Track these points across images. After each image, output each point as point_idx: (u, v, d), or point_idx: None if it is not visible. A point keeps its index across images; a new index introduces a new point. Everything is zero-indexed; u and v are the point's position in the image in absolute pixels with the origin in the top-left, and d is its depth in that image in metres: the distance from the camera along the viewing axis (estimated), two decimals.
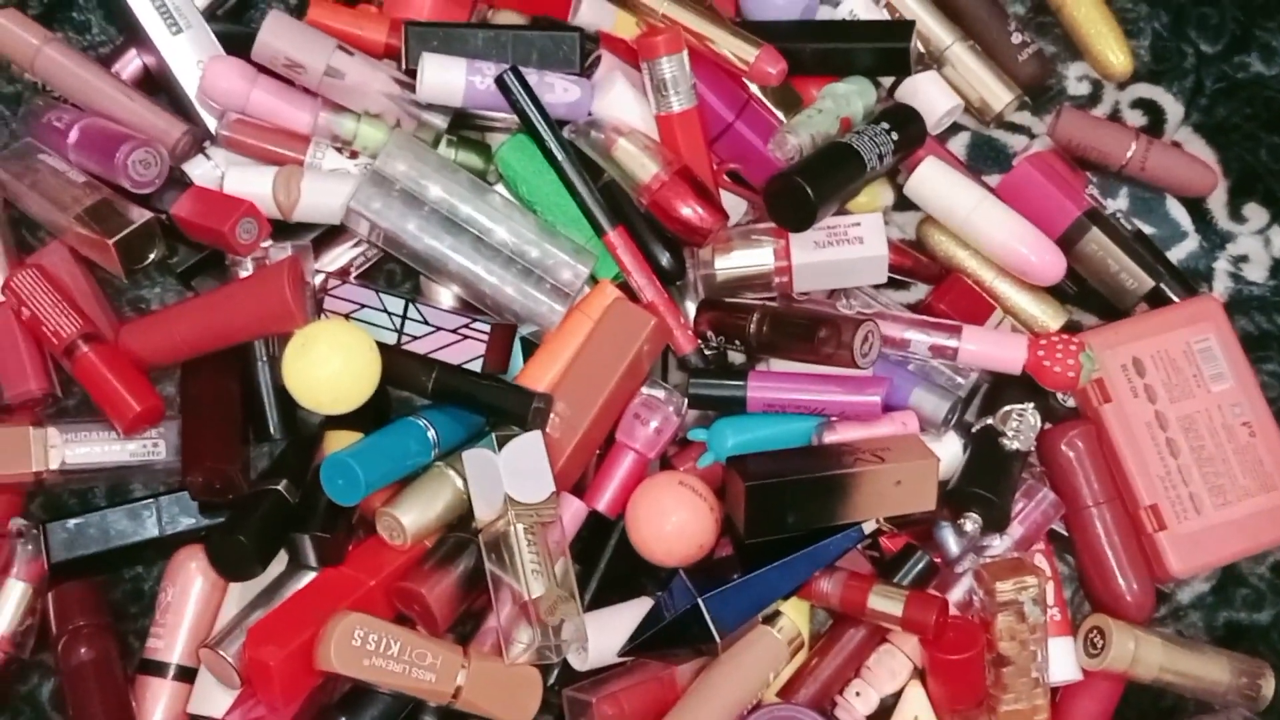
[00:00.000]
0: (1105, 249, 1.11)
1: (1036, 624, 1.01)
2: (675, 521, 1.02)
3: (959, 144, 1.19)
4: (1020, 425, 1.05)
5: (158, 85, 1.11)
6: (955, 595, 1.05)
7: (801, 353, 1.05)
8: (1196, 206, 1.19)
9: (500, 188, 1.10)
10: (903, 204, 1.15)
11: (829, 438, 1.05)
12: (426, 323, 1.06)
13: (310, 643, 0.96)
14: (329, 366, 1.00)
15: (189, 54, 1.09)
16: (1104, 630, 1.04)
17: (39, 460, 1.04)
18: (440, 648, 0.98)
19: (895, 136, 1.09)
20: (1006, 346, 1.06)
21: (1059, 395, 1.11)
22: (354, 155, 1.09)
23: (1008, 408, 1.06)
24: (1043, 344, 1.05)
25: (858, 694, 1.05)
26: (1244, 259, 1.19)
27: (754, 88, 1.13)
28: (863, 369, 1.03)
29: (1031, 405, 1.06)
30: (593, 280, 1.08)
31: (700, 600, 0.98)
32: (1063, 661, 1.05)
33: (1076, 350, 1.04)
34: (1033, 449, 1.07)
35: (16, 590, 1.03)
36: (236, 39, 1.09)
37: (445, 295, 1.09)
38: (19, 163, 1.09)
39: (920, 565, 1.06)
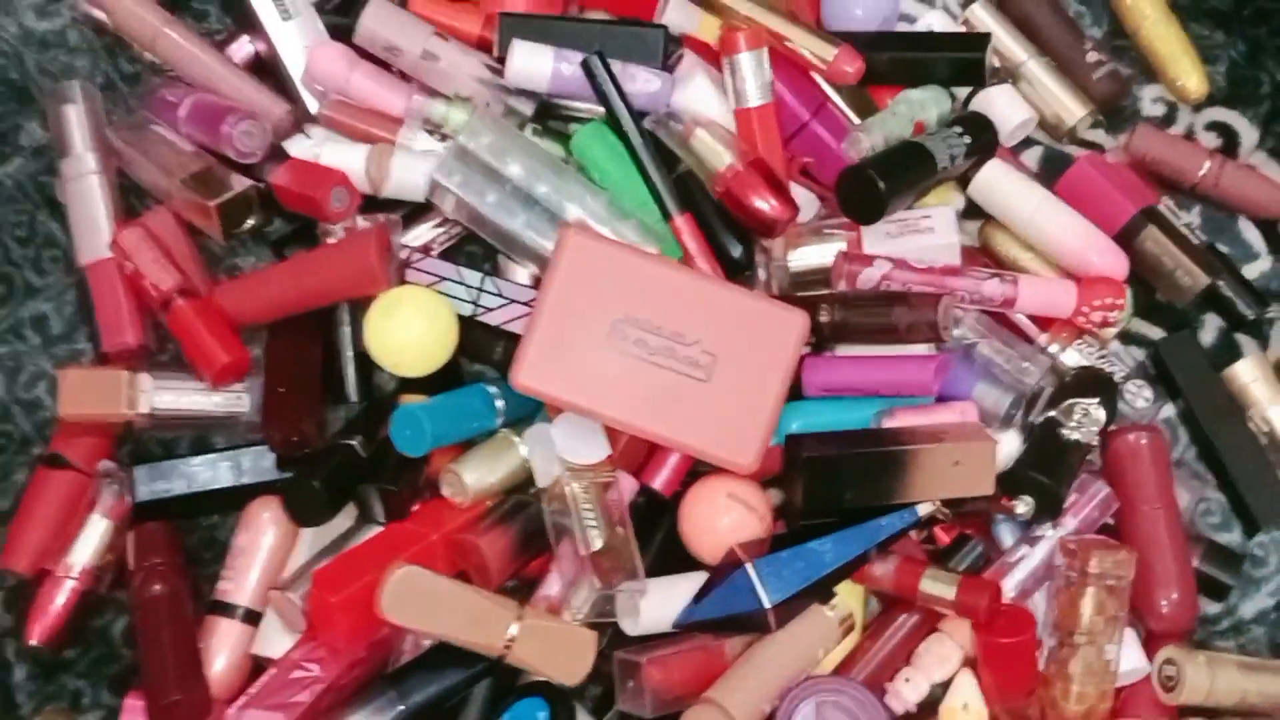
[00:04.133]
0: (1161, 246, 1.12)
1: (1124, 603, 1.00)
2: (725, 531, 1.03)
3: (1031, 157, 1.20)
4: (1083, 419, 1.05)
5: (266, 70, 1.18)
6: (1009, 584, 1.04)
7: (877, 334, 1.06)
8: (1270, 228, 1.19)
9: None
10: (973, 212, 1.17)
11: (888, 423, 1.06)
12: (501, 295, 1.10)
13: (372, 588, 0.98)
14: (411, 329, 1.04)
15: (297, 39, 1.16)
16: (1177, 662, 1.03)
17: (130, 402, 1.09)
18: (495, 598, 1.00)
19: (968, 140, 1.11)
20: (1057, 289, 1.08)
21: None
22: (444, 138, 1.14)
23: (1072, 401, 1.06)
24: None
25: (907, 680, 1.04)
26: None
27: (831, 92, 1.16)
28: (948, 342, 1.04)
29: (1097, 400, 1.06)
30: None
31: (748, 564, 0.99)
32: (1130, 651, 1.04)
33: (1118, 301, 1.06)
34: (1094, 443, 1.07)
35: (100, 526, 1.07)
36: (341, 29, 1.16)
37: (523, 274, 1.13)
38: (133, 132, 1.16)
39: (974, 555, 1.06)
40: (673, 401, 1.01)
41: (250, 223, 1.12)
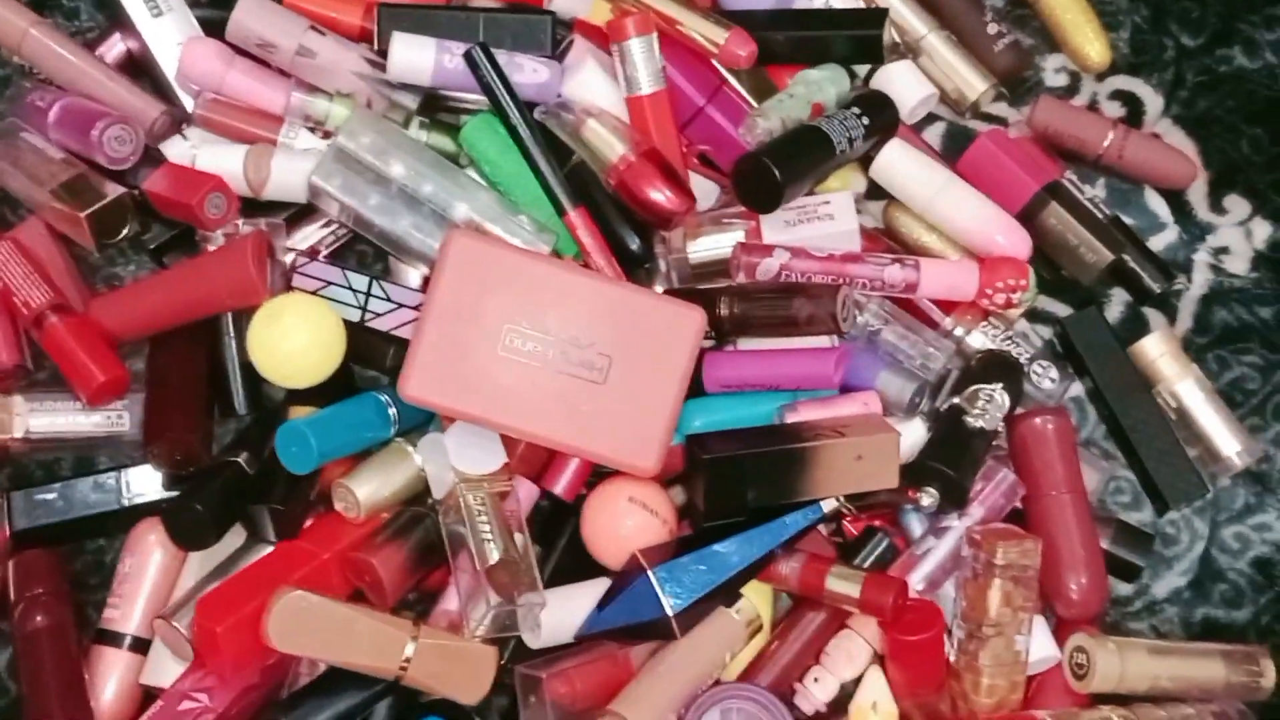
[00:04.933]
0: (1064, 223, 1.10)
1: (1032, 593, 0.99)
2: (627, 536, 1.01)
3: (934, 134, 1.18)
4: (987, 405, 1.03)
5: (140, 68, 1.13)
6: (917, 576, 1.03)
7: (778, 326, 1.04)
8: (1176, 198, 1.18)
9: (470, 170, 1.11)
10: (876, 192, 1.14)
11: (790, 418, 1.04)
12: (390, 300, 1.06)
13: (259, 613, 0.95)
14: (295, 339, 1.00)
15: (170, 36, 1.11)
16: (1087, 650, 1.02)
17: (3, 427, 1.05)
18: (387, 619, 0.97)
19: (866, 121, 1.09)
20: (959, 272, 1.06)
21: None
22: (326, 135, 1.10)
23: (976, 387, 1.04)
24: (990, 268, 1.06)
25: (816, 680, 1.03)
26: (1224, 250, 1.17)
27: (728, 75, 1.13)
28: (847, 334, 1.02)
29: (1000, 386, 1.04)
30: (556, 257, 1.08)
31: (650, 571, 0.97)
32: (1040, 639, 1.03)
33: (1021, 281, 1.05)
34: (999, 430, 1.06)
35: None
36: (217, 24, 1.11)
37: (414, 276, 1.10)
38: (1, 141, 1.10)
39: (881, 547, 1.04)
40: (569, 407, 0.98)
41: (126, 231, 1.07)
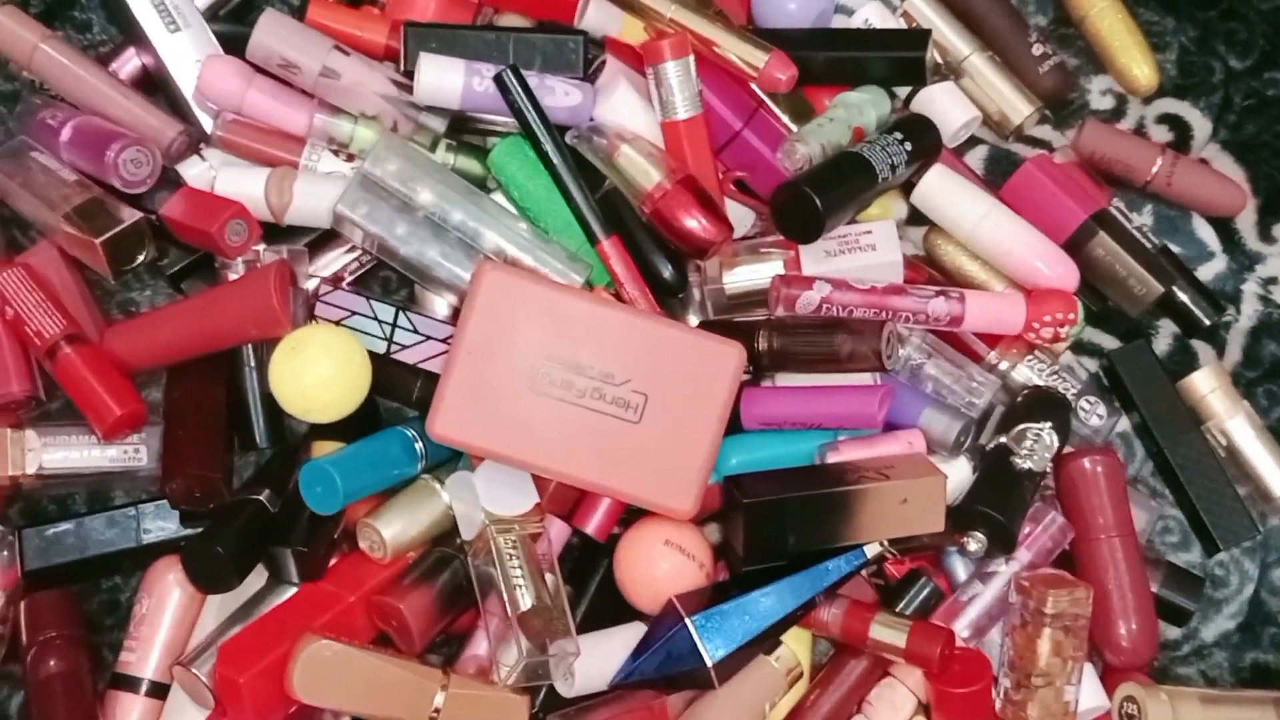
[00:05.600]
0: (1113, 254, 1.07)
1: (1082, 642, 0.96)
2: (662, 580, 0.98)
3: (977, 157, 1.15)
4: (1035, 445, 1.00)
5: (156, 86, 1.09)
6: (962, 623, 1.00)
7: (819, 362, 1.01)
8: (1224, 226, 1.14)
9: (498, 195, 1.07)
10: (917, 218, 1.11)
11: (832, 458, 1.01)
12: (416, 331, 1.03)
13: (284, 661, 0.92)
14: (317, 372, 0.97)
15: (187, 53, 1.07)
16: (1138, 700, 0.99)
17: (15, 463, 1.02)
18: (416, 669, 0.94)
19: (909, 147, 1.05)
20: (1005, 305, 1.03)
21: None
22: (350, 158, 1.06)
23: (1024, 426, 1.01)
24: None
25: None
26: (1274, 281, 1.14)
27: (765, 96, 1.09)
28: (890, 370, 0.99)
29: (1049, 425, 1.01)
30: (588, 288, 1.05)
31: (688, 620, 0.94)
32: (1088, 688, 1.00)
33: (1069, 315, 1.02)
34: (1047, 470, 1.02)
35: None
36: (237, 40, 1.07)
37: (440, 304, 1.06)
38: (11, 161, 1.07)
39: (925, 592, 1.01)
40: (603, 446, 0.95)
41: (143, 258, 1.04)
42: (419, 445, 1.01)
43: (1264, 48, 1.16)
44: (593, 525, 1.02)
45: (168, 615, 1.01)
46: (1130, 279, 1.08)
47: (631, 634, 0.99)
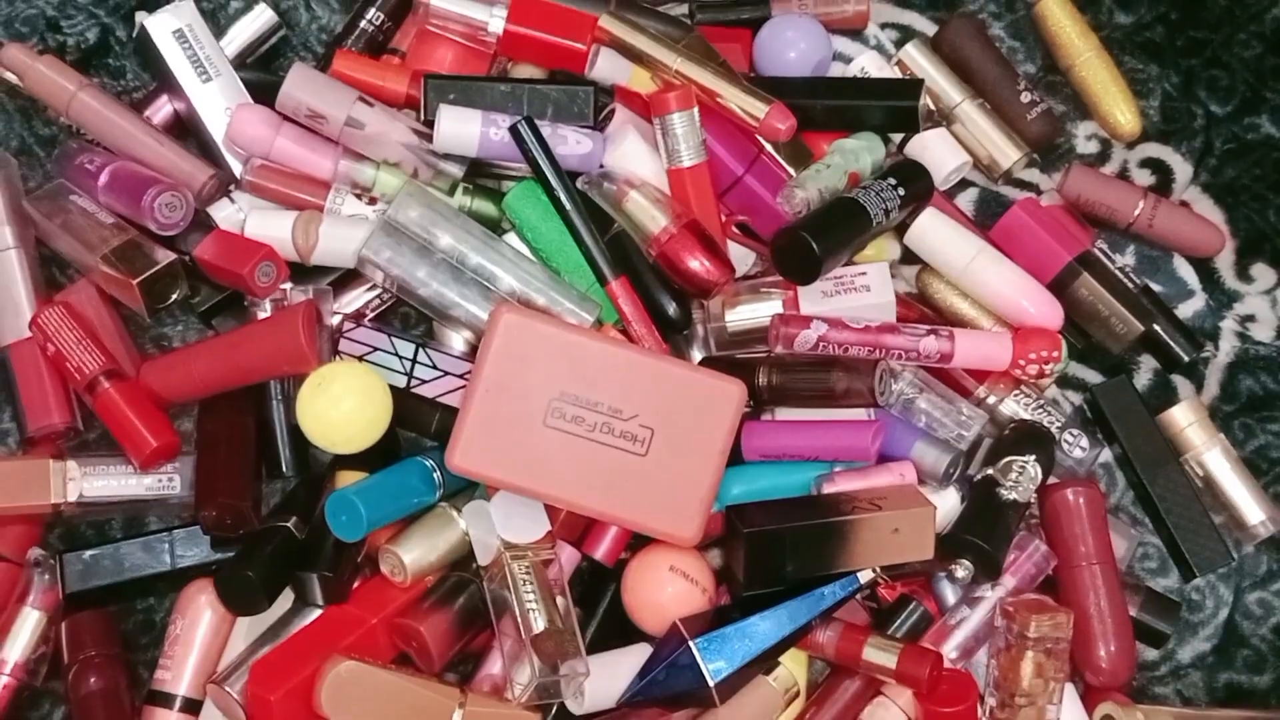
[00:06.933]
0: (1095, 294, 1.12)
1: (1063, 664, 1.01)
2: (667, 604, 1.04)
3: (967, 200, 1.20)
4: (1020, 477, 1.06)
5: (187, 131, 1.15)
6: (950, 645, 1.05)
7: (816, 398, 1.06)
8: (1204, 266, 1.20)
9: (512, 236, 1.13)
10: (911, 257, 1.16)
11: (828, 489, 1.06)
12: (435, 367, 1.08)
13: (311, 680, 0.97)
14: (343, 407, 1.02)
15: (218, 101, 1.13)
16: (1116, 718, 1.04)
17: (58, 492, 1.07)
18: (435, 687, 0.99)
19: (902, 192, 1.11)
20: (993, 343, 1.09)
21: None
22: (373, 202, 1.12)
23: (1009, 458, 1.06)
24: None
25: None
26: (1251, 319, 1.19)
27: (765, 144, 1.15)
28: (884, 406, 1.04)
29: (1034, 457, 1.06)
30: (598, 326, 1.10)
31: (691, 642, 0.99)
32: (1069, 708, 1.05)
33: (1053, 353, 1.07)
34: (1031, 501, 1.08)
35: (31, 618, 1.05)
36: (264, 87, 1.13)
37: (457, 339, 1.12)
38: (51, 203, 1.12)
39: (915, 615, 1.06)
40: (612, 477, 1.00)
41: (176, 296, 1.09)
42: (437, 475, 1.06)
43: (1245, 94, 1.21)
44: (601, 551, 1.08)
45: (200, 635, 1.06)
46: (1112, 318, 1.13)
47: (638, 655, 1.05)
